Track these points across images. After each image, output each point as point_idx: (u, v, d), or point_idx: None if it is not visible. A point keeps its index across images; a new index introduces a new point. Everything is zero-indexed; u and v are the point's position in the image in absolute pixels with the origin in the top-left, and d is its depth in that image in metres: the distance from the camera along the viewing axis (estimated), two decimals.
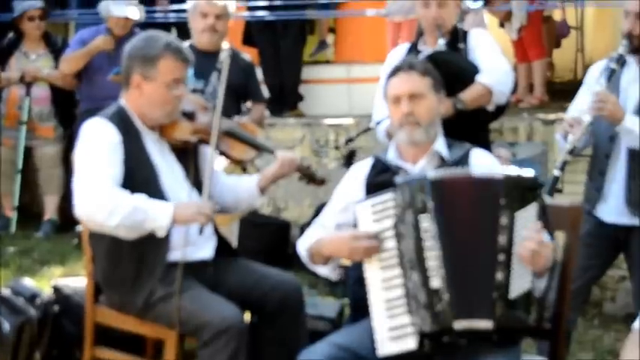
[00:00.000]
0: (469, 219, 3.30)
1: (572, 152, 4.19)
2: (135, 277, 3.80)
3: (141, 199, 3.67)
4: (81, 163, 3.76)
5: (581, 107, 4.34)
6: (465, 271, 3.25)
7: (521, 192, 3.28)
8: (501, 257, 3.22)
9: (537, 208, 3.29)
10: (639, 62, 4.34)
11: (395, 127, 3.68)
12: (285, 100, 8.15)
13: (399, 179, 3.40)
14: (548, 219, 3.38)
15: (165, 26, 7.89)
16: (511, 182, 3.28)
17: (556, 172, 4.15)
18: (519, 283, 3.23)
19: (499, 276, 3.22)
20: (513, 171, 3.36)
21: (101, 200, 3.61)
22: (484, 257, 3.25)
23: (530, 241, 3.19)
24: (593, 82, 4.40)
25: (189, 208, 3.72)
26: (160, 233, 3.70)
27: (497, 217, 3.24)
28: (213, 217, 3.83)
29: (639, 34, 4.27)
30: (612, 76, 4.32)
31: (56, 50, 7.75)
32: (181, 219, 3.70)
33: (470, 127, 4.41)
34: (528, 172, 3.37)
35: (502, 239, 3.23)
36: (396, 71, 3.67)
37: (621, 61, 4.32)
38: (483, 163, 3.65)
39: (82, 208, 3.66)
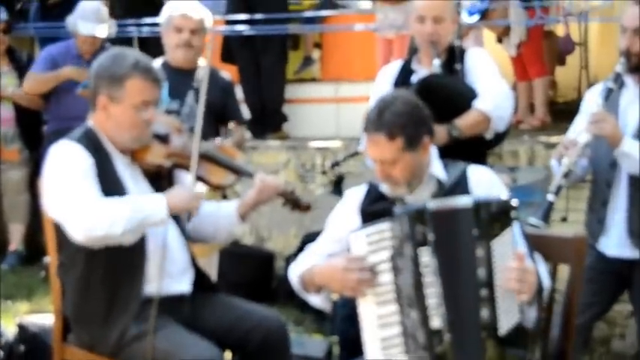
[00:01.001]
0: (455, 251, 3.30)
1: (567, 176, 4.20)
2: (107, 313, 3.79)
3: (132, 199, 3.71)
4: (59, 190, 3.74)
5: (577, 131, 4.37)
6: (460, 310, 3.26)
7: (494, 218, 3.27)
8: (484, 292, 3.23)
9: (513, 232, 3.30)
10: (639, 82, 4.39)
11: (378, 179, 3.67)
12: (268, 121, 8.15)
13: (397, 209, 3.40)
14: (528, 241, 3.40)
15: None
16: (480, 210, 3.27)
17: (550, 198, 4.16)
18: (507, 318, 3.25)
19: (484, 313, 3.23)
20: (481, 196, 3.37)
21: (97, 214, 3.61)
22: (467, 294, 3.26)
23: (512, 271, 3.20)
24: (591, 105, 4.43)
25: (180, 195, 3.78)
26: (162, 225, 3.74)
27: (473, 249, 3.25)
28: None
29: (638, 52, 4.31)
30: (609, 96, 4.35)
31: (21, 67, 7.75)
32: (177, 207, 3.76)
33: (466, 154, 4.33)
34: (497, 195, 3.39)
35: (481, 273, 3.23)
36: (366, 126, 3.58)
37: (619, 81, 4.36)
38: (483, 180, 3.66)
39: (80, 230, 3.64)
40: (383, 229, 3.37)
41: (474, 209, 3.27)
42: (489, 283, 3.23)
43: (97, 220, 3.60)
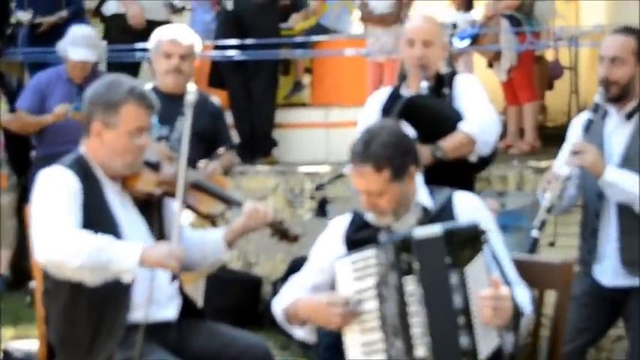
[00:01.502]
0: (435, 281, 3.30)
1: (550, 211, 4.22)
2: (92, 340, 3.76)
3: (106, 239, 3.62)
4: (39, 209, 3.73)
5: (561, 163, 4.39)
6: (443, 338, 3.27)
7: (464, 245, 3.29)
8: (461, 320, 3.24)
9: (485, 256, 3.31)
10: (619, 111, 4.40)
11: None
12: (258, 145, 8.16)
13: (382, 237, 3.42)
14: (500, 264, 3.38)
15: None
16: (451, 237, 3.28)
17: (534, 234, 4.17)
18: (487, 342, 3.26)
19: (464, 340, 3.24)
20: (450, 224, 3.36)
21: (62, 240, 3.56)
22: (445, 323, 3.26)
23: (487, 300, 3.21)
24: (575, 135, 4.45)
25: (159, 250, 3.67)
26: (126, 277, 3.64)
27: (447, 277, 3.26)
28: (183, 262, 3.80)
29: (615, 80, 4.32)
30: (590, 127, 4.36)
31: (10, 92, 7.75)
32: (150, 261, 3.63)
33: (451, 177, 4.33)
34: (466, 222, 3.40)
35: (457, 300, 3.25)
36: (352, 157, 3.57)
37: (598, 111, 4.37)
38: (468, 206, 3.66)
39: (41, 251, 3.61)
40: (368, 256, 3.38)
41: (444, 237, 3.28)
42: (466, 310, 3.24)
43: (60, 248, 3.55)
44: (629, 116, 4.39)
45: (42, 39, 8.23)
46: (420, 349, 3.25)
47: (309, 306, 3.53)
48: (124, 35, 8.34)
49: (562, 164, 4.31)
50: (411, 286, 3.27)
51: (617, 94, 4.35)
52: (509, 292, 3.29)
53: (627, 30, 4.51)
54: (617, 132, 4.41)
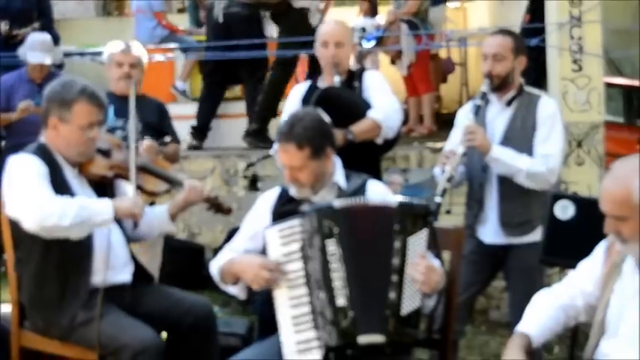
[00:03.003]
0: (368, 242, 3.34)
1: (450, 180, 4.27)
2: (59, 302, 3.76)
3: (81, 199, 3.69)
4: (19, 188, 3.70)
5: (454, 143, 4.45)
6: (367, 290, 3.29)
7: (414, 219, 3.33)
8: (394, 278, 3.27)
9: (428, 233, 3.35)
10: (500, 99, 4.46)
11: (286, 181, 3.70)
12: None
13: (305, 208, 3.44)
14: (437, 243, 3.44)
15: None
16: (404, 210, 3.34)
17: (438, 200, 4.22)
18: (410, 302, 3.29)
19: (392, 295, 3.27)
20: (407, 199, 3.42)
21: (48, 208, 3.58)
22: (379, 277, 3.29)
23: (421, 265, 3.26)
24: (463, 120, 4.51)
25: (125, 201, 3.78)
26: (106, 225, 3.72)
27: (392, 241, 3.29)
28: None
29: (497, 74, 4.39)
30: (478, 112, 4.43)
31: None
32: (121, 211, 3.74)
33: (361, 157, 4.43)
34: (420, 201, 3.44)
35: (395, 262, 3.28)
36: (279, 136, 3.63)
37: (485, 99, 4.43)
38: (378, 191, 3.69)
39: (32, 221, 3.62)
40: (294, 224, 3.40)
41: (398, 208, 3.34)
42: (400, 271, 3.28)
43: (49, 212, 3.58)
44: (509, 103, 4.46)
45: (14, 44, 8.12)
46: (341, 299, 3.27)
47: (243, 262, 3.53)
48: None
49: (458, 143, 4.35)
50: (332, 246, 3.30)
51: (499, 85, 4.42)
52: (441, 269, 3.37)
53: (505, 31, 4.61)
54: (499, 116, 4.48)
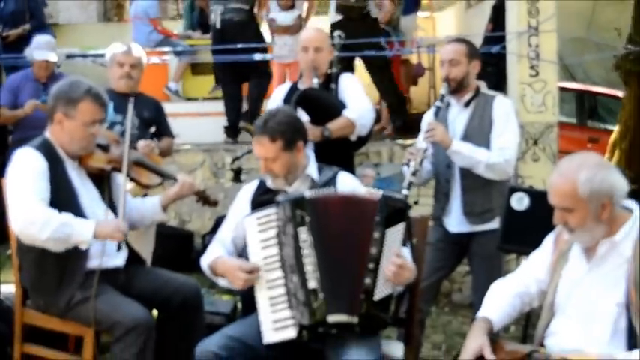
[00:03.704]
0: (344, 231, 3.33)
1: (415, 174, 4.27)
2: (58, 283, 3.74)
3: (67, 216, 3.63)
4: (14, 186, 3.69)
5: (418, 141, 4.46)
6: (337, 274, 3.28)
7: (393, 213, 3.32)
8: (371, 265, 3.27)
9: (404, 226, 3.35)
10: (459, 100, 4.47)
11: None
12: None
13: (280, 198, 3.43)
14: (412, 235, 3.43)
15: None
16: (385, 203, 3.32)
17: (404, 192, 4.20)
18: (383, 288, 3.29)
19: (367, 280, 3.27)
20: (389, 193, 3.41)
21: (33, 217, 3.56)
22: (356, 263, 3.28)
23: (394, 264, 3.26)
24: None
25: (108, 226, 3.69)
26: (83, 246, 3.67)
27: (371, 231, 3.28)
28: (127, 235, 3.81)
29: (454, 77, 4.40)
30: (439, 112, 4.44)
31: None
32: (102, 234, 3.67)
33: (337, 152, 4.46)
34: (400, 196, 3.43)
35: (374, 250, 3.27)
36: (255, 130, 3.63)
37: (444, 100, 4.44)
38: (348, 185, 3.69)
39: (16, 224, 3.62)
40: (270, 213, 3.40)
41: (381, 201, 3.32)
42: (377, 260, 3.27)
43: (31, 224, 3.56)
44: (467, 104, 4.47)
45: (11, 47, 8.09)
46: (312, 282, 3.27)
47: (224, 265, 3.53)
48: None
49: (420, 140, 4.35)
50: (304, 234, 3.30)
51: (456, 87, 4.43)
52: (413, 266, 3.36)
53: (459, 40, 4.66)
54: (458, 116, 4.48)
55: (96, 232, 3.64)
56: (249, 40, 7.69)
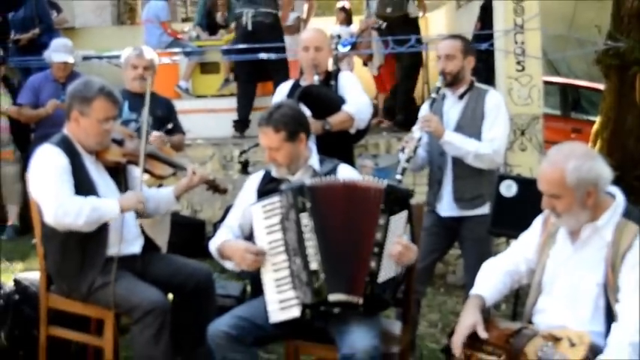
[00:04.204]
0: (348, 216, 3.33)
1: (409, 160, 4.25)
2: (80, 269, 3.76)
3: (93, 200, 3.68)
4: (41, 183, 3.70)
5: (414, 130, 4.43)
6: (338, 256, 3.29)
7: (397, 201, 3.32)
8: (376, 249, 3.27)
9: (407, 214, 3.35)
10: (454, 93, 4.47)
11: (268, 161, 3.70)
12: None
13: (283, 186, 3.44)
14: (413, 222, 3.43)
15: None
16: (390, 192, 3.32)
17: (398, 177, 4.18)
18: (386, 271, 3.29)
19: (372, 264, 3.27)
20: (392, 183, 3.40)
21: (65, 209, 3.59)
22: (362, 248, 3.29)
23: (399, 245, 3.26)
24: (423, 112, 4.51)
25: (130, 200, 3.77)
26: (113, 220, 3.74)
27: (377, 217, 3.28)
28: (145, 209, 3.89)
29: (449, 71, 4.39)
30: (434, 104, 4.44)
31: (13, 90, 7.59)
32: (126, 207, 3.74)
33: (337, 144, 4.47)
34: (403, 186, 3.44)
35: (379, 236, 3.28)
36: (260, 121, 3.63)
37: (439, 93, 4.44)
38: (347, 175, 3.68)
39: (50, 218, 3.63)
40: (274, 201, 3.41)
41: (385, 189, 3.31)
42: (381, 244, 3.27)
43: (67, 212, 3.59)
44: (461, 96, 4.46)
45: (23, 50, 8.18)
46: (314, 264, 3.29)
47: (232, 247, 3.54)
48: None
49: (415, 129, 4.36)
50: (305, 219, 3.31)
51: (451, 81, 4.42)
52: (416, 248, 3.37)
53: (455, 36, 4.63)
54: (452, 108, 4.48)
55: (121, 207, 3.72)
56: (276, 40, 7.72)
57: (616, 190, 3.02)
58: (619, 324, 2.82)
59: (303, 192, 3.34)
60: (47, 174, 3.69)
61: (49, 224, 3.67)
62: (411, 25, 8.18)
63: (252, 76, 7.93)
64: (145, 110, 4.06)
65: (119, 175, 3.98)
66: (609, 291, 2.89)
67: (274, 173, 3.69)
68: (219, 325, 3.39)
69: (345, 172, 3.71)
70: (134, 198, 3.77)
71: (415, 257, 3.39)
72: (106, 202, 3.72)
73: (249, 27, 7.79)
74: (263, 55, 7.52)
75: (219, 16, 9.52)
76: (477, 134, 4.34)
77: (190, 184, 4.11)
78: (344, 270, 3.29)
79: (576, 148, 3.01)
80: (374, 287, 3.27)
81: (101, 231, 3.76)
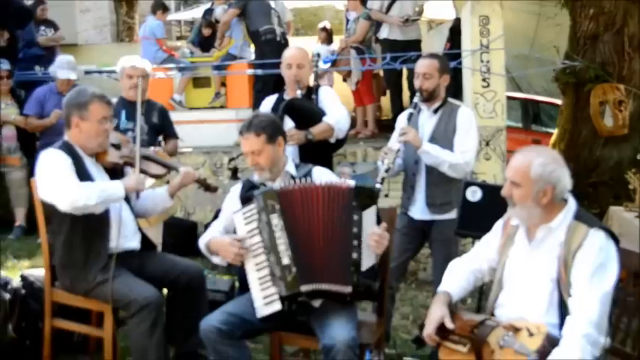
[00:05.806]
0: (319, 214, 3.37)
1: (388, 171, 4.28)
2: (84, 262, 3.76)
3: (99, 183, 3.74)
4: (49, 177, 3.71)
5: (392, 141, 4.48)
6: (307, 250, 3.34)
7: (366, 197, 3.37)
8: (355, 242, 3.32)
9: (376, 208, 3.39)
10: (429, 108, 4.50)
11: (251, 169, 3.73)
12: None
13: (255, 192, 3.46)
14: (379, 216, 3.47)
15: None
16: (359, 190, 3.38)
17: (378, 186, 4.20)
18: (367, 260, 3.34)
19: (354, 255, 3.32)
20: (359, 183, 3.44)
21: (77, 196, 3.61)
22: (343, 242, 3.33)
23: (376, 235, 3.32)
24: (400, 124, 4.54)
25: (132, 181, 3.84)
26: (120, 200, 3.81)
27: (351, 213, 3.33)
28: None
29: (426, 88, 4.41)
30: (411, 117, 4.47)
31: (20, 101, 7.57)
32: (130, 188, 3.81)
33: (318, 152, 4.49)
34: (370, 184, 3.46)
35: (355, 230, 3.32)
36: (241, 129, 3.64)
37: (416, 107, 4.47)
38: (322, 176, 3.70)
39: (65, 202, 3.64)
40: (252, 207, 3.43)
41: (355, 189, 3.37)
42: (359, 237, 3.32)
43: (79, 196, 3.61)
44: (436, 111, 4.49)
45: (23, 65, 8.27)
46: (285, 259, 3.32)
47: (217, 243, 3.56)
48: None
49: (394, 141, 4.38)
50: (275, 220, 3.34)
51: (427, 97, 4.44)
52: (387, 234, 3.41)
53: (432, 55, 4.63)
54: (427, 121, 4.50)
55: (126, 188, 3.78)
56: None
57: (569, 196, 3.06)
58: (572, 317, 2.85)
59: (272, 195, 3.38)
60: (54, 169, 3.70)
61: (65, 211, 3.66)
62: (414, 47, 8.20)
63: (270, 89, 7.92)
64: (138, 111, 4.06)
65: (117, 175, 3.99)
66: (562, 286, 2.93)
67: (256, 178, 3.70)
68: (211, 321, 3.41)
69: (320, 174, 3.73)
70: (135, 180, 3.84)
71: (387, 243, 3.42)
72: (112, 184, 3.78)
73: (283, 41, 7.82)
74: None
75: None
76: (449, 146, 4.36)
77: (183, 183, 4.13)
78: (315, 262, 3.32)
79: (551, 151, 3.09)
80: (359, 275, 3.31)
81: (103, 225, 3.77)
